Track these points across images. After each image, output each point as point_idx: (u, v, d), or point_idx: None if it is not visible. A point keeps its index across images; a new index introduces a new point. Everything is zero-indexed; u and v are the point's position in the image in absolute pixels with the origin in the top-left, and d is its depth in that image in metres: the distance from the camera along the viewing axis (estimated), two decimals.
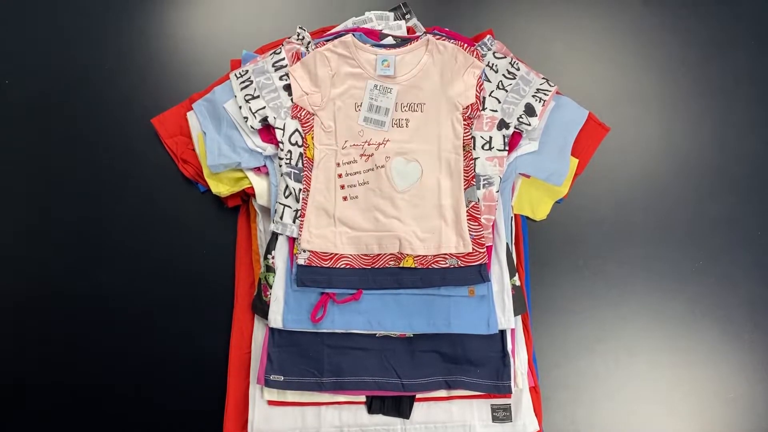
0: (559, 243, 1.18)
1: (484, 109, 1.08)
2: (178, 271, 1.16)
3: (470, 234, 1.05)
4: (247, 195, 1.13)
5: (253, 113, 1.06)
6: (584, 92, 1.21)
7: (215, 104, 1.09)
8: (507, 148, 1.07)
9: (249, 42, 1.19)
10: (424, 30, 1.16)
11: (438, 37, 1.11)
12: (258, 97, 1.07)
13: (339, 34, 1.11)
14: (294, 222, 1.05)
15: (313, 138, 1.07)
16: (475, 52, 1.09)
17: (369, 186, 1.07)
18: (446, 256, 1.04)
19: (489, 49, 1.12)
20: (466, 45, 1.10)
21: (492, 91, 1.09)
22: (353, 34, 1.10)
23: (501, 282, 1.06)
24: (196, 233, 1.17)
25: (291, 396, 1.05)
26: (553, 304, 1.16)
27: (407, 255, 1.04)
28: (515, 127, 1.08)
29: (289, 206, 1.06)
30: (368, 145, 1.08)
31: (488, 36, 1.14)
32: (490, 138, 1.08)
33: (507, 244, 1.08)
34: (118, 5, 1.24)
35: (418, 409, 1.06)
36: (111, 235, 1.17)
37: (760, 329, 1.16)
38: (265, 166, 1.08)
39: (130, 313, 1.15)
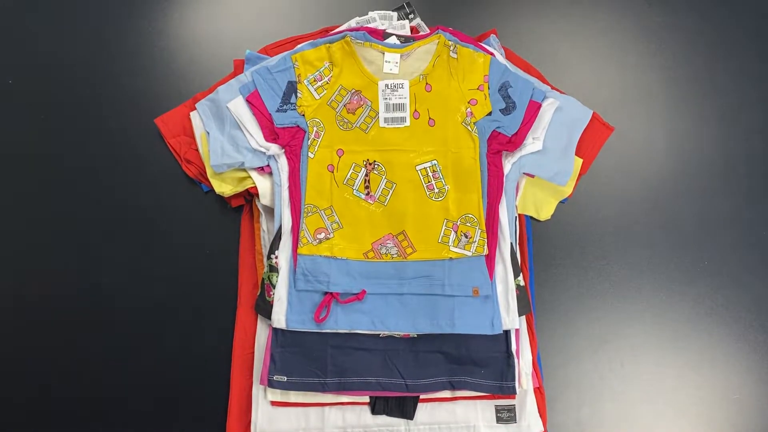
0: (563, 243, 1.18)
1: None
2: (181, 271, 1.16)
3: None
4: (250, 195, 1.12)
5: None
6: (588, 92, 1.21)
7: (218, 104, 1.09)
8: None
9: (252, 42, 1.19)
10: (428, 29, 1.16)
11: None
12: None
13: (343, 34, 1.11)
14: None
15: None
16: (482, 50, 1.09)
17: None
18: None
19: (495, 49, 1.12)
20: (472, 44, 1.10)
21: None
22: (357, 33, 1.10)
23: (505, 282, 1.05)
24: (199, 233, 1.17)
25: (294, 396, 1.05)
26: (558, 305, 1.16)
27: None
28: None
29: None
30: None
31: (492, 35, 1.14)
32: None
33: (511, 244, 1.07)
34: (121, 5, 1.25)
35: (422, 410, 1.06)
36: (113, 235, 1.17)
37: (765, 330, 1.16)
38: (268, 165, 1.08)
39: (132, 313, 1.15)
